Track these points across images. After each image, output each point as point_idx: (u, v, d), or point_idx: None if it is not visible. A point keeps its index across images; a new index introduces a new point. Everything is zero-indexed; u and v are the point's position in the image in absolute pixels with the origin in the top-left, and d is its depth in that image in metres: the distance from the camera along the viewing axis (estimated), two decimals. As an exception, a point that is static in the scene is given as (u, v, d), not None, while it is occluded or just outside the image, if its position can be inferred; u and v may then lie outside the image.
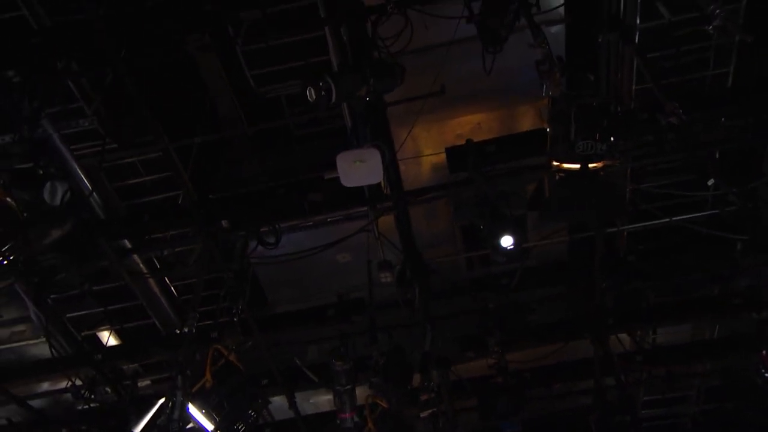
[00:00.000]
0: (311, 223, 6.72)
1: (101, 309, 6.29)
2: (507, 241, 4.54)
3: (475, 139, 5.49)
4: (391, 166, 5.82)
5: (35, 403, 7.21)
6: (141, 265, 5.90)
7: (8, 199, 3.50)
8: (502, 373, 5.96)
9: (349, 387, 5.67)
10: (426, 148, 6.55)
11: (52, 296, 5.82)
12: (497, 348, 5.87)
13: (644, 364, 7.01)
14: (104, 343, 7.07)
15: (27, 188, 3.87)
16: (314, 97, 3.51)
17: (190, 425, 4.38)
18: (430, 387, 5.19)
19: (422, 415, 5.25)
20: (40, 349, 7.34)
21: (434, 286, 6.38)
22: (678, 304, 6.93)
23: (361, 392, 6.03)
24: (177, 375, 4.06)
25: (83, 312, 6.74)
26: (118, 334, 7.14)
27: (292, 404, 6.68)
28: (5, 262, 3.27)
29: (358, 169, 4.01)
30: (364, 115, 4.24)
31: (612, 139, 3.45)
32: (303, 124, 7.09)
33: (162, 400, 4.44)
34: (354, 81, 3.57)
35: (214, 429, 4.47)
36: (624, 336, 6.97)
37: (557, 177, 3.67)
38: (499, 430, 6.23)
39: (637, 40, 4.91)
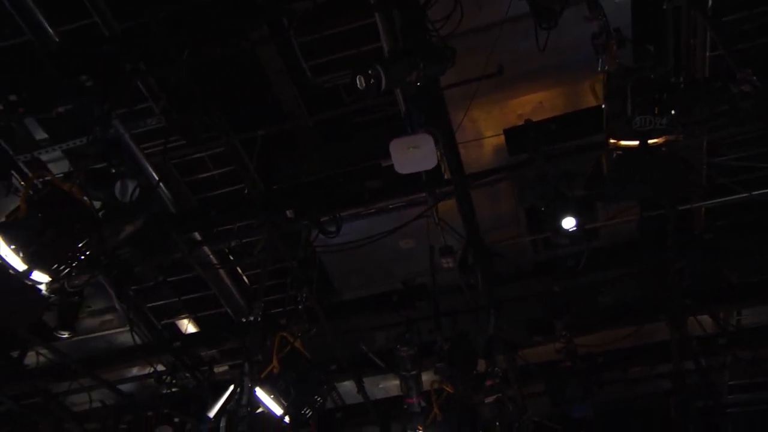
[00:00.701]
0: (373, 210, 6.76)
1: (178, 299, 6.60)
2: (569, 223, 4.39)
3: (537, 119, 5.32)
4: (450, 150, 5.77)
5: (124, 387, 7.72)
6: (211, 256, 6.14)
7: (84, 198, 3.72)
8: (571, 357, 5.81)
9: (414, 372, 5.71)
10: (487, 130, 6.42)
11: (132, 288, 6.16)
12: (565, 332, 5.71)
13: (728, 347, 6.63)
14: (183, 331, 7.46)
15: (101, 187, 4.11)
16: (364, 85, 3.51)
17: (260, 410, 4.54)
18: (494, 372, 5.12)
19: (487, 400, 5.20)
20: (127, 336, 7.79)
21: (498, 269, 6.28)
22: (764, 284, 6.48)
23: (428, 378, 6.06)
24: (244, 362, 4.21)
25: (162, 302, 7.11)
26: (196, 322, 7.51)
27: (361, 389, 6.81)
28: (82, 257, 3.49)
29: (412, 155, 3.98)
30: (416, 100, 4.19)
31: (673, 112, 3.23)
32: (361, 111, 7.11)
33: (232, 387, 4.62)
34: (403, 67, 3.53)
35: (283, 413, 4.63)
36: (705, 318, 6.62)
37: (614, 155, 3.49)
38: (569, 414, 6.08)
39: (709, 4, 4.58)
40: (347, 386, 7.73)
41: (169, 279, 6.60)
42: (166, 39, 4.78)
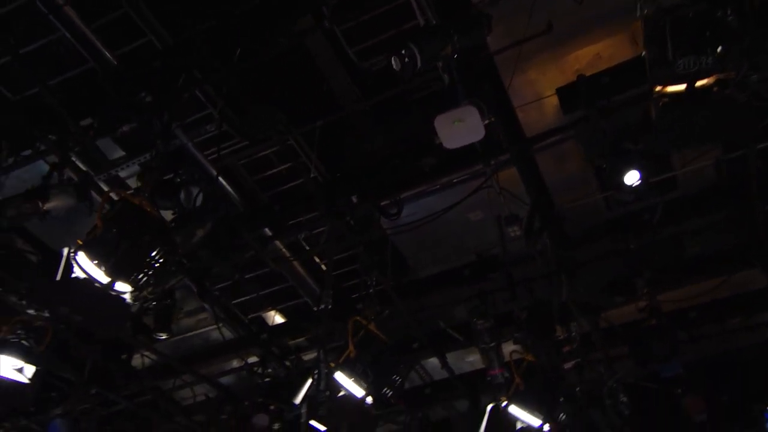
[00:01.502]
0: (438, 186, 6.73)
1: (257, 294, 6.90)
2: (632, 178, 4.17)
3: (596, 71, 5.08)
4: (506, 115, 5.63)
5: (223, 380, 8.20)
6: (284, 250, 6.36)
7: (153, 209, 3.97)
8: (656, 315, 5.56)
9: (493, 344, 5.69)
10: (546, 90, 6.21)
11: (216, 287, 6.50)
12: (647, 289, 5.46)
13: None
14: (270, 323, 7.79)
15: (168, 197, 4.36)
16: (400, 65, 3.49)
17: (342, 393, 4.70)
18: (572, 338, 5.00)
19: (566, 366, 5.10)
20: (221, 333, 8.32)
21: (571, 232, 6.09)
22: None
23: (509, 348, 6.02)
24: (319, 348, 4.36)
25: (246, 297, 7.45)
26: (282, 313, 7.83)
27: (444, 364, 6.86)
28: (157, 265, 3.73)
29: (459, 129, 3.92)
30: (461, 71, 4.11)
31: (720, 48, 2.96)
32: (414, 89, 7.06)
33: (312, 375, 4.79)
34: (436, 42, 3.48)
35: (364, 395, 4.76)
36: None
37: (661, 103, 3.26)
38: (658, 374, 5.85)
39: None
40: (433, 362, 7.80)
41: (250, 274, 6.91)
42: (215, 46, 4.95)
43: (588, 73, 5.09)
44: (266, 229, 6.17)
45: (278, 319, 7.98)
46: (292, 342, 7.63)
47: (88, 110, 4.98)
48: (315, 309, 5.45)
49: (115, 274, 3.63)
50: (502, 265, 6.24)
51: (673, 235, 5.75)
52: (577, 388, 5.44)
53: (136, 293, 3.85)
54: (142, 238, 3.74)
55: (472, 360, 8.30)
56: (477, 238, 7.36)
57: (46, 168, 5.10)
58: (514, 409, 5.14)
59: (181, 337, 8.14)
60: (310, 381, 5.18)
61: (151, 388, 7.68)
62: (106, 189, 5.05)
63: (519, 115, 6.03)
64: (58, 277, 4.28)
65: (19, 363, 5.08)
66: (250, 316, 7.51)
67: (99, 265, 3.66)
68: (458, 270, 6.84)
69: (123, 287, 3.77)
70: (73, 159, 4.97)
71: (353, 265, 6.98)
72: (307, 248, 6.86)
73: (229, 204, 5.75)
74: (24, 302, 5.18)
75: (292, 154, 6.40)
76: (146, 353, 7.67)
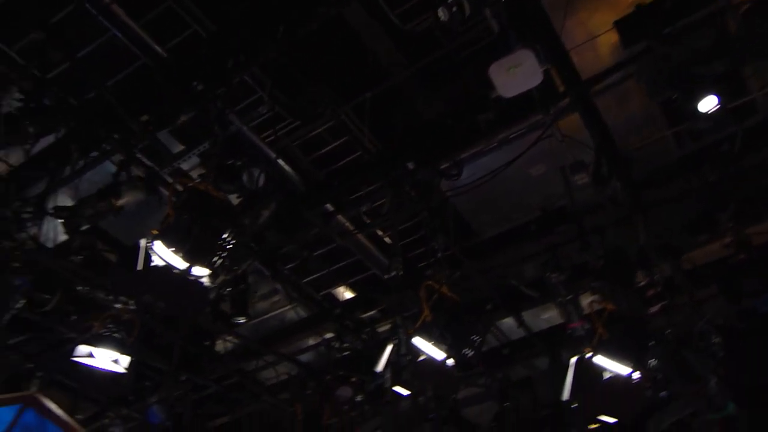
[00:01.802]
0: (495, 144, 6.57)
1: (326, 270, 6.99)
2: (708, 104, 3.89)
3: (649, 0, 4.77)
4: (560, 59, 5.38)
5: (302, 357, 8.40)
6: (347, 224, 6.38)
7: (219, 194, 4.04)
8: (745, 249, 5.23)
9: (570, 297, 5.55)
10: (599, 29, 5.91)
11: (286, 267, 6.61)
12: (732, 223, 5.15)
13: None
14: (341, 299, 7.90)
15: (231, 181, 4.43)
16: (448, 16, 3.37)
17: (422, 357, 4.70)
18: (654, 281, 4.79)
19: (652, 310, 4.90)
20: (294, 312, 8.51)
21: (641, 173, 5.81)
22: None
23: (587, 299, 5.85)
24: (395, 316, 4.37)
25: (316, 275, 7.55)
26: (352, 288, 7.91)
27: (521, 323, 6.76)
28: (229, 246, 3.81)
29: (515, 75, 3.77)
30: (506, 17, 3.94)
31: None
32: (460, 47, 6.88)
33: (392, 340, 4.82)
34: (483, -15, 3.33)
35: (445, 357, 4.75)
36: None
37: (743, 10, 2.99)
38: (754, 310, 5.53)
39: None
40: (508, 323, 7.72)
41: (317, 252, 6.99)
42: (257, 27, 4.96)
43: (639, 3, 4.78)
44: (328, 206, 6.20)
45: (348, 294, 8.07)
46: (364, 315, 7.70)
47: (144, 106, 5.11)
48: (385, 277, 5.44)
49: (191, 258, 3.73)
50: (570, 217, 6.04)
51: (757, 164, 5.36)
52: (667, 331, 5.23)
53: (213, 276, 3.95)
54: (212, 222, 3.82)
55: (547, 317, 8.16)
56: (540, 194, 7.16)
57: (112, 168, 5.29)
58: (600, 360, 5.00)
59: (258, 320, 8.38)
60: (389, 348, 5.22)
61: (235, 371, 7.96)
62: (171, 181, 5.18)
63: (574, 59, 5.76)
64: (139, 268, 4.45)
65: (115, 354, 5.35)
66: (321, 294, 7.62)
67: (176, 252, 3.78)
68: (524, 227, 6.68)
69: (200, 271, 3.88)
70: (138, 156, 5.12)
71: (416, 235, 6.95)
72: (368, 222, 6.88)
73: (289, 184, 5.79)
74: (111, 297, 5.43)
75: (344, 129, 6.38)
76: (228, 338, 7.95)
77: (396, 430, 3.92)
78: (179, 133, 5.71)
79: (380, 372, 5.29)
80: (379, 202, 6.79)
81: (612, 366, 4.95)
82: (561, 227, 6.04)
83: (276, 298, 9.00)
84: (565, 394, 5.14)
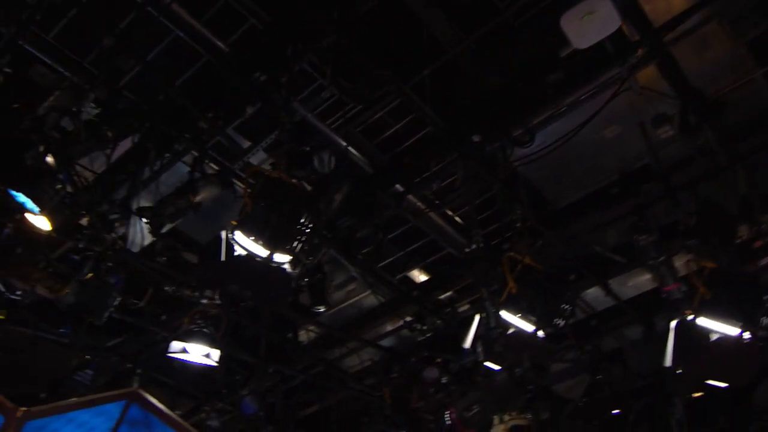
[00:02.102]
0: (564, 107, 6.28)
1: (402, 252, 6.93)
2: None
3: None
4: (631, 7, 5.06)
5: (384, 342, 8.40)
6: (419, 204, 6.28)
7: (292, 180, 4.04)
8: None
9: (663, 258, 5.23)
10: (671, -28, 5.52)
11: (361, 253, 6.57)
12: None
13: None
14: (416, 281, 7.84)
15: (303, 166, 4.43)
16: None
17: (511, 330, 4.56)
18: (762, 231, 4.42)
19: (761, 263, 4.53)
20: (371, 299, 8.51)
21: (731, 121, 5.40)
22: None
23: (680, 260, 5.52)
24: (480, 288, 4.24)
25: (390, 259, 7.51)
26: (426, 269, 7.83)
27: (609, 291, 6.46)
28: (308, 230, 3.80)
29: (590, 23, 3.54)
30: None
31: None
32: (519, 12, 6.62)
33: (478, 316, 4.70)
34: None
35: (535, 329, 4.59)
36: None
37: None
38: None
39: None
40: (592, 293, 7.41)
41: (390, 235, 6.94)
42: (312, 14, 4.93)
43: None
44: (397, 186, 6.12)
45: (423, 277, 8.00)
46: (442, 296, 7.59)
47: (210, 103, 5.20)
48: (465, 251, 5.32)
49: (272, 245, 3.75)
50: (655, 175, 5.70)
51: None
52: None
53: (294, 262, 3.96)
54: (289, 208, 3.82)
55: (634, 284, 7.77)
56: (616, 156, 6.80)
57: (185, 169, 5.43)
58: (703, 321, 4.68)
59: (336, 309, 8.45)
60: (475, 324, 5.10)
61: (320, 360, 8.06)
62: (243, 174, 5.25)
63: (645, 8, 5.41)
64: (222, 259, 4.53)
65: (206, 349, 5.50)
66: (397, 277, 7.57)
67: (256, 240, 3.80)
68: (604, 190, 6.36)
69: (282, 258, 3.89)
70: (209, 153, 5.21)
71: (488, 212, 6.77)
72: (437, 202, 6.76)
73: (357, 169, 5.76)
74: (197, 294, 5.59)
75: (406, 110, 6.29)
76: (310, 328, 8.07)
77: (494, 404, 3.81)
78: (244, 129, 5.80)
79: (468, 348, 5.18)
80: (448, 180, 6.67)
81: (718, 327, 4.62)
82: (646, 186, 5.70)
83: (351, 286, 9.05)
84: (667, 360, 4.85)
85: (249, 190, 3.97)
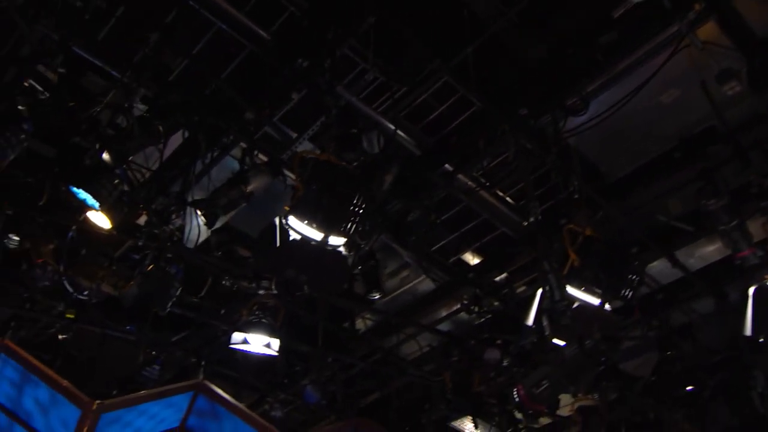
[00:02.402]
0: (619, 72, 6.00)
1: (457, 233, 6.81)
2: None
3: None
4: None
5: (442, 327, 8.30)
6: (469, 183, 6.13)
7: (342, 162, 4.00)
8: None
9: (735, 222, 4.94)
10: None
11: (413, 236, 6.49)
12: None
13: None
14: (470, 263, 7.69)
15: (351, 149, 4.37)
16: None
17: (576, 304, 4.38)
18: None
19: None
20: (425, 285, 8.43)
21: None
22: None
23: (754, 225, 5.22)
24: (542, 260, 4.09)
25: (443, 242, 7.38)
26: (479, 251, 7.67)
27: (675, 262, 6.16)
28: (361, 211, 3.75)
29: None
30: None
31: None
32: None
33: (540, 291, 4.55)
34: None
35: (602, 302, 4.40)
36: None
37: None
38: None
39: None
40: (657, 266, 7.09)
41: (441, 218, 6.82)
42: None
43: None
44: (447, 166, 5.99)
45: (476, 260, 7.84)
46: (499, 277, 7.42)
47: (254, 94, 5.21)
48: (524, 224, 5.16)
49: (326, 227, 3.71)
50: (720, 136, 5.39)
51: None
52: None
53: (349, 245, 3.91)
54: (340, 190, 3.77)
55: (700, 255, 7.40)
56: (675, 122, 6.46)
57: (234, 163, 5.46)
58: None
59: (390, 297, 8.40)
60: (538, 299, 4.95)
61: (378, 348, 8.04)
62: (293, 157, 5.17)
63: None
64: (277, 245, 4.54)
65: (266, 338, 5.55)
66: (451, 260, 7.44)
67: (309, 224, 3.77)
68: (664, 156, 6.06)
69: (336, 240, 3.85)
70: (258, 142, 5.22)
71: (542, 189, 6.55)
72: (487, 184, 6.60)
73: (404, 151, 5.66)
74: (254, 285, 5.64)
75: (449, 90, 6.14)
76: (366, 316, 8.06)
77: (565, 379, 3.67)
78: (291, 120, 5.79)
79: (530, 326, 5.03)
80: (500, 158, 6.49)
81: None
82: (712, 148, 5.39)
83: (405, 273, 8.98)
84: (747, 329, 4.57)
85: (299, 176, 3.94)
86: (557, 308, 3.81)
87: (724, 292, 6.68)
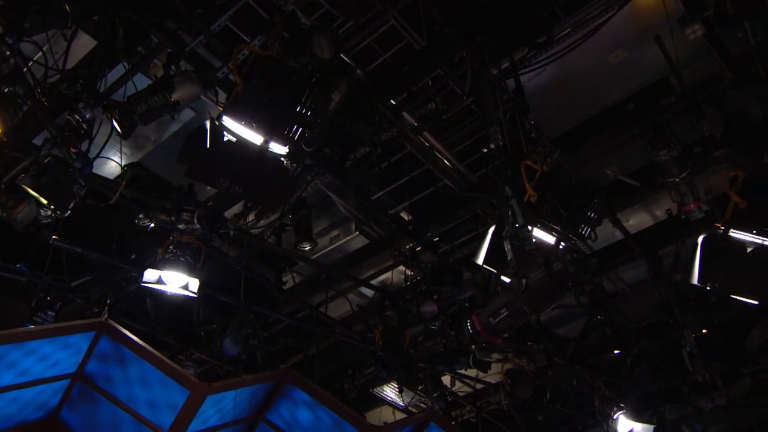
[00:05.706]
0: (566, 31, 5.82)
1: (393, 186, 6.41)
2: None
3: None
4: None
5: (376, 282, 7.91)
6: (414, 122, 5.71)
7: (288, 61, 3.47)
8: None
9: (684, 175, 4.85)
10: None
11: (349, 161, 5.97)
12: None
13: None
14: (407, 219, 7.33)
15: (297, 53, 3.82)
16: None
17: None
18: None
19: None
20: (357, 241, 8.01)
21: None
22: None
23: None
24: (502, 186, 3.77)
25: (381, 193, 6.96)
26: (412, 209, 7.30)
27: (616, 222, 6.07)
28: (308, 113, 3.24)
29: None
30: None
31: None
32: None
33: (493, 226, 4.24)
34: None
35: (557, 240, 4.16)
36: None
37: None
38: None
39: None
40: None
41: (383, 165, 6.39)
42: None
43: None
44: (392, 102, 5.55)
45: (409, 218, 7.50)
46: (441, 231, 7.06)
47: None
48: (483, 150, 4.83)
49: (268, 130, 3.18)
50: (673, 88, 5.29)
51: None
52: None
53: (292, 156, 3.40)
54: (286, 87, 3.24)
55: (633, 222, 7.45)
56: (625, 84, 6.43)
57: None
58: (738, 234, 4.32)
59: (320, 254, 7.94)
60: (491, 234, 4.65)
61: (306, 305, 7.56)
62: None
63: None
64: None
65: (184, 278, 4.93)
66: (391, 212, 7.03)
67: (248, 125, 3.22)
68: (617, 108, 5.94)
69: (278, 148, 3.33)
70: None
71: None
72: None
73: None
74: (173, 218, 4.97)
75: (396, 36, 5.71)
76: (294, 270, 7.55)
77: (527, 305, 3.38)
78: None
79: (480, 262, 4.73)
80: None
81: (753, 239, 4.26)
82: (664, 99, 5.29)
83: (335, 232, 8.52)
84: (694, 278, 4.49)
85: (238, 71, 3.36)
86: (521, 234, 3.51)
87: (658, 257, 6.71)
